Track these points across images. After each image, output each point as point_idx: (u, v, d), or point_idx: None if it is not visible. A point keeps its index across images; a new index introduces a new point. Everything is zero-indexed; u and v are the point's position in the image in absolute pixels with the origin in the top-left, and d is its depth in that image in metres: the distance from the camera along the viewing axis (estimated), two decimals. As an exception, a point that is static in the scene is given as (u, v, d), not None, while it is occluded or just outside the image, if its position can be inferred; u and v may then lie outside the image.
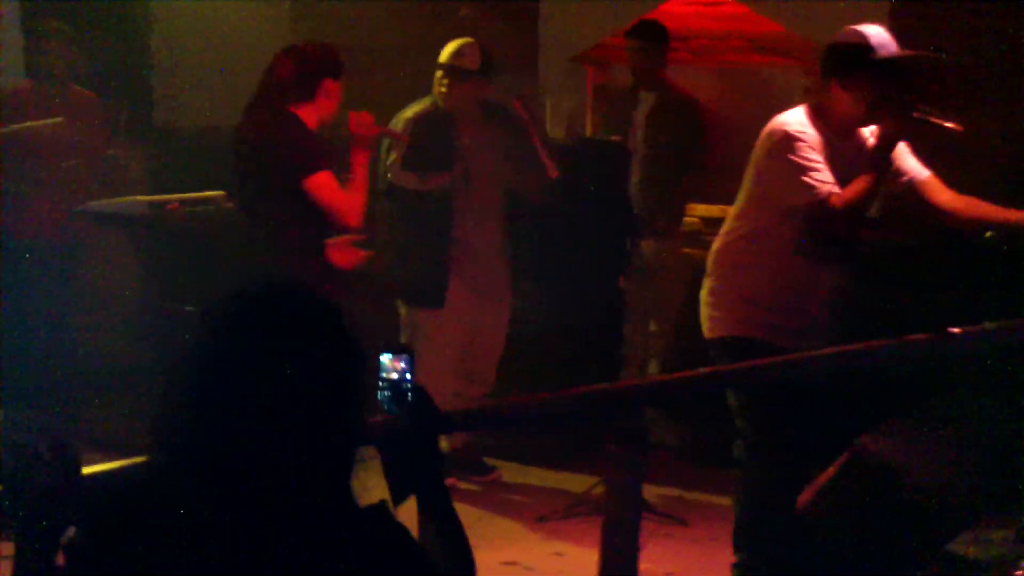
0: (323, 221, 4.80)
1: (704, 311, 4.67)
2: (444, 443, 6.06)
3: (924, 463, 4.73)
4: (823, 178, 4.28)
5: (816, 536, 4.62)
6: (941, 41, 6.78)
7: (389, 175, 5.79)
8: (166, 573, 1.89)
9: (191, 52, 7.67)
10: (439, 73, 5.82)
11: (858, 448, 4.71)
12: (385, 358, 2.19)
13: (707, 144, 6.64)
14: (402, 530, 2.03)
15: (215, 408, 1.92)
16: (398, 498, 2.18)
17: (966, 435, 4.84)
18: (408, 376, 2.19)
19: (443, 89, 5.81)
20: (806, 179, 4.29)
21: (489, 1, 7.46)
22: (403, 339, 5.91)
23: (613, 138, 6.55)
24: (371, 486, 2.11)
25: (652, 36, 6.90)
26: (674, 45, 7.04)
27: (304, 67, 4.83)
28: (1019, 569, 4.49)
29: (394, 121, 5.86)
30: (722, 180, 6.10)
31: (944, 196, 4.56)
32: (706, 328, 4.65)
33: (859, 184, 4.28)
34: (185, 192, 6.53)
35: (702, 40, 7.54)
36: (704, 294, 4.68)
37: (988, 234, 5.53)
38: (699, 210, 7.06)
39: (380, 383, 2.20)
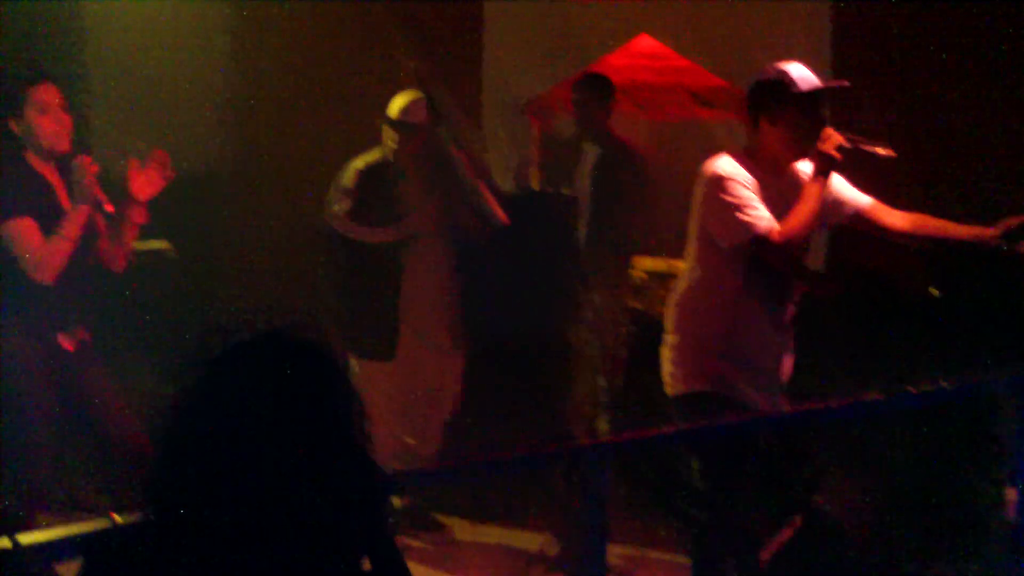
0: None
1: (664, 367, 4.64)
2: (395, 500, 6.00)
3: (867, 520, 4.78)
4: (759, 214, 4.29)
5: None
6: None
7: (335, 223, 5.75)
8: None
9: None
10: (387, 129, 5.80)
11: (814, 508, 4.74)
12: None
13: (651, 196, 6.65)
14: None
15: (208, 458, 1.87)
16: (351, 561, 2.12)
17: (904, 488, 4.90)
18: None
19: (393, 145, 5.79)
20: (740, 216, 4.30)
21: (432, 53, 7.41)
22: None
23: (564, 190, 6.54)
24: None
25: (597, 88, 6.93)
26: (619, 97, 7.07)
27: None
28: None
29: (344, 170, 5.82)
30: (667, 233, 6.14)
31: (892, 218, 4.55)
32: (667, 385, 4.62)
33: (797, 213, 4.30)
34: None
35: (646, 93, 7.60)
36: (663, 350, 4.66)
37: (933, 291, 5.60)
38: (645, 263, 7.07)
39: None
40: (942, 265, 5.55)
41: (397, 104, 5.79)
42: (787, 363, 4.58)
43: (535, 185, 7.50)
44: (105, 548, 2.00)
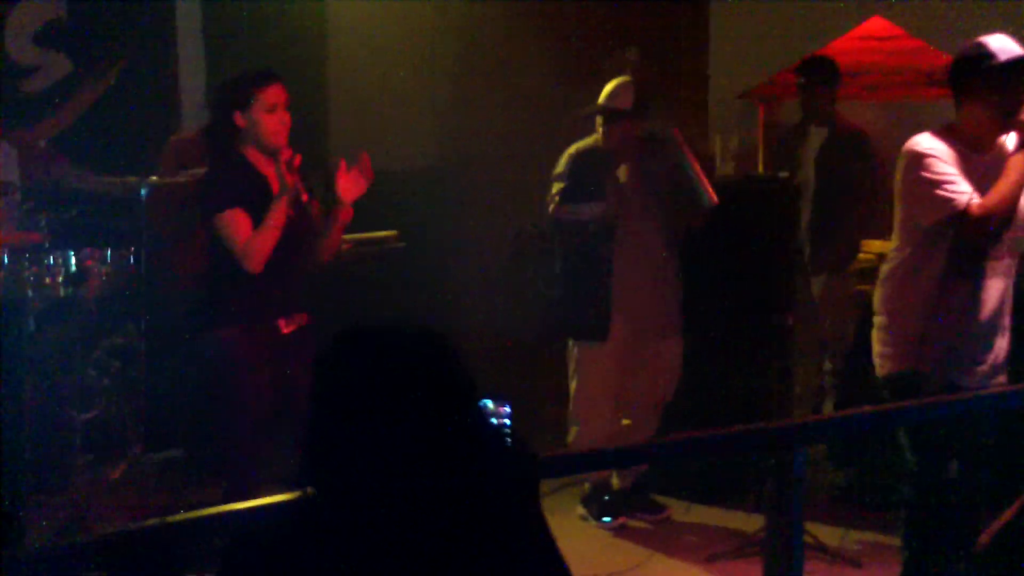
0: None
1: (875, 348, 4.59)
2: (615, 481, 6.06)
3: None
4: (959, 188, 4.20)
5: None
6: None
7: (551, 207, 5.86)
8: None
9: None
10: (598, 116, 5.87)
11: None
12: (487, 404, 2.20)
13: (879, 179, 6.52)
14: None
15: (367, 439, 1.98)
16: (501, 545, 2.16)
17: None
18: (508, 422, 2.20)
19: (600, 129, 5.86)
20: (940, 192, 4.22)
21: (658, 41, 7.45)
22: (569, 370, 5.97)
23: (781, 174, 6.48)
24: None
25: (823, 72, 6.86)
26: (845, 80, 6.97)
27: (215, 107, 4.87)
28: None
29: (561, 159, 5.93)
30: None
31: None
32: (877, 366, 4.57)
33: (998, 188, 4.19)
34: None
35: (874, 75, 7.44)
36: (874, 332, 4.60)
37: None
38: (874, 246, 6.93)
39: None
40: None
41: (606, 90, 5.86)
42: (1000, 343, 4.46)
43: (759, 170, 7.44)
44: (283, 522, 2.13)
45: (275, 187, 4.63)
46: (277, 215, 4.60)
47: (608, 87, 5.86)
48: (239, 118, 4.68)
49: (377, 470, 1.96)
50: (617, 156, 5.86)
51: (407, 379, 2.00)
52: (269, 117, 4.66)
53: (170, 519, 2.82)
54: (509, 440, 2.19)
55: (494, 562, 2.03)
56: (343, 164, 4.82)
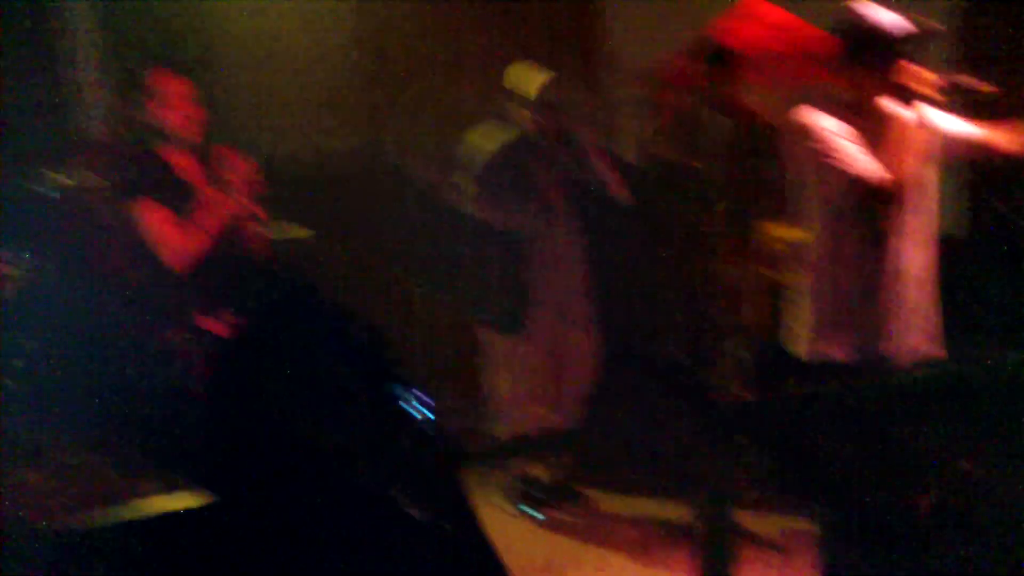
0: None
1: (794, 331, 4.64)
2: (539, 471, 6.09)
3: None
4: (854, 157, 4.25)
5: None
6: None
7: (466, 204, 5.84)
8: None
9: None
10: (518, 107, 5.83)
11: (960, 473, 4.70)
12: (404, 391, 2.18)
13: (781, 163, 6.61)
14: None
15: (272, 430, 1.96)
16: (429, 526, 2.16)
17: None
18: (427, 411, 2.19)
19: (531, 125, 5.81)
20: (836, 163, 4.24)
21: (553, 24, 7.45)
22: (482, 365, 5.98)
23: (693, 164, 6.55)
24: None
25: (720, 59, 6.92)
26: (742, 65, 7.03)
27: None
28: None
29: (470, 148, 5.88)
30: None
31: (1008, 142, 4.46)
32: (797, 350, 4.62)
33: (894, 155, 4.24)
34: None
35: (775, 60, 7.53)
36: (792, 313, 4.65)
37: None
38: (778, 231, 7.05)
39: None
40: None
41: (533, 82, 5.81)
42: (921, 319, 4.51)
43: (660, 155, 7.50)
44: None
45: (201, 184, 4.57)
46: (205, 214, 4.56)
47: (533, 78, 5.81)
48: (133, 112, 4.62)
49: (282, 462, 1.92)
50: (543, 151, 5.86)
51: (323, 352, 1.96)
52: (165, 109, 4.61)
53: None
54: (428, 429, 2.16)
55: (420, 551, 2.01)
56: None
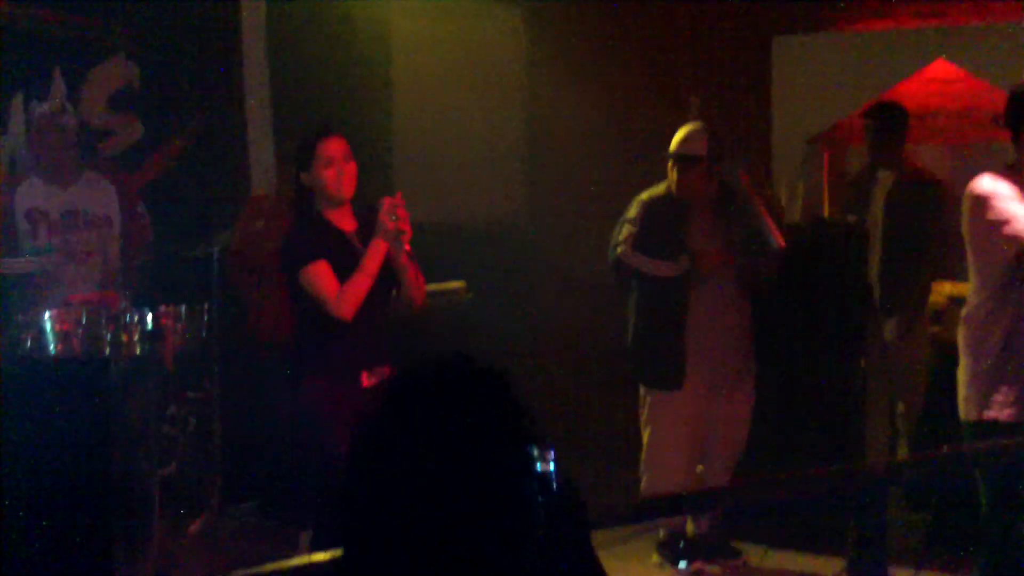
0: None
1: (959, 392, 4.55)
2: (690, 527, 6.04)
3: None
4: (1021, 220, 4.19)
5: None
6: None
7: (619, 250, 5.87)
8: None
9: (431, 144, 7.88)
10: (670, 161, 5.89)
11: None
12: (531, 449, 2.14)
13: (948, 222, 6.52)
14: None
15: (405, 490, 1.91)
16: None
17: None
18: (553, 468, 2.13)
19: (673, 175, 5.88)
20: (1008, 230, 4.20)
21: (720, 88, 7.49)
22: (642, 418, 5.97)
23: (849, 218, 6.48)
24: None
25: (889, 115, 6.87)
26: (912, 124, 6.97)
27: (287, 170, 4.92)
28: None
29: (630, 204, 5.95)
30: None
31: None
32: (961, 410, 4.53)
33: None
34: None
35: (940, 118, 7.44)
36: (958, 373, 4.57)
37: None
38: (946, 288, 6.92)
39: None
40: None
41: (678, 136, 5.88)
42: None
43: (825, 215, 7.44)
44: None
45: (355, 239, 4.71)
46: (372, 261, 4.67)
47: (680, 133, 5.88)
48: (304, 178, 4.77)
49: (414, 523, 1.89)
50: (691, 205, 5.88)
51: (461, 416, 1.96)
52: (327, 171, 4.73)
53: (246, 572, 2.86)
54: (555, 486, 2.08)
55: None
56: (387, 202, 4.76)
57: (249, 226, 6.17)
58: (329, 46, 7.45)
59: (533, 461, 2.00)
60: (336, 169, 4.74)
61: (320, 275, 4.67)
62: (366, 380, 4.74)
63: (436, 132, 7.77)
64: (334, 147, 4.77)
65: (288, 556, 3.68)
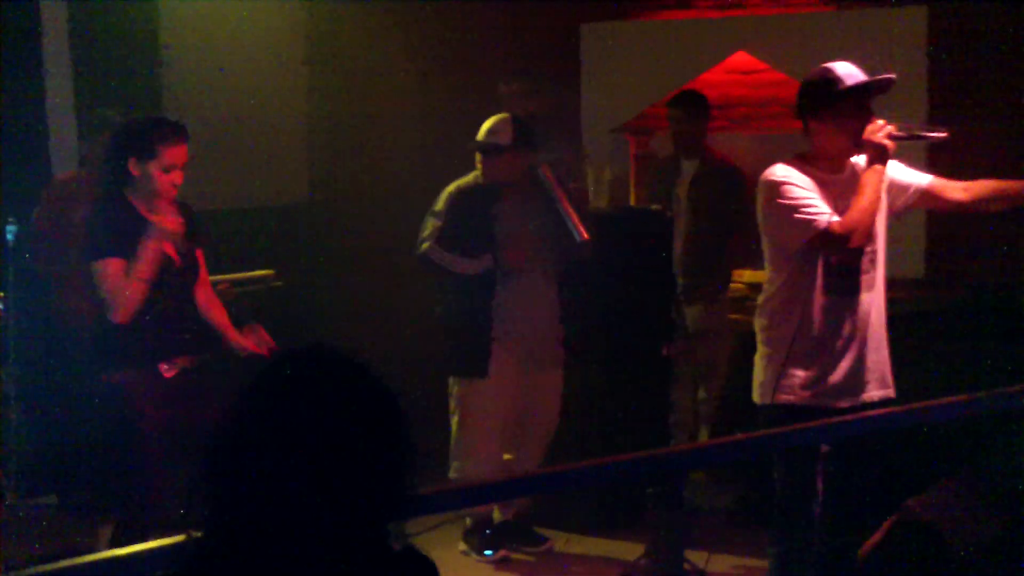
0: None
1: (755, 377, 4.66)
2: (497, 514, 6.09)
3: (969, 523, 4.72)
4: (816, 210, 4.31)
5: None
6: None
7: (424, 246, 5.86)
8: None
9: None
10: (477, 152, 5.91)
11: (905, 511, 4.71)
12: None
13: (750, 210, 6.67)
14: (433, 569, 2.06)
15: (259, 477, 1.92)
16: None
17: (1008, 492, 4.82)
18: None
19: (479, 165, 5.90)
20: (799, 216, 4.32)
21: (529, 75, 7.51)
22: (451, 406, 5.98)
23: (654, 207, 6.60)
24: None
25: (694, 105, 7.01)
26: (714, 114, 7.13)
27: (111, 150, 4.71)
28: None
29: (439, 197, 5.95)
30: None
31: (956, 192, 4.53)
32: (754, 394, 4.65)
33: (855, 205, 4.30)
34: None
35: (742, 108, 7.60)
36: (756, 359, 4.68)
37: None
38: (745, 276, 7.11)
39: None
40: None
41: (484, 127, 5.90)
42: (875, 359, 4.53)
43: (631, 202, 7.55)
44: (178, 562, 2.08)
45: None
46: (144, 265, 4.55)
47: (487, 124, 5.90)
48: (133, 166, 4.60)
49: (279, 507, 1.91)
50: (499, 191, 5.90)
51: (322, 404, 1.96)
52: (164, 176, 4.58)
53: (49, 567, 2.78)
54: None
55: None
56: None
57: (53, 207, 5.98)
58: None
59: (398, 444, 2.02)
60: (173, 177, 4.61)
61: (108, 274, 4.55)
62: (165, 371, 4.68)
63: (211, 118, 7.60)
64: (180, 154, 4.62)
65: (87, 551, 3.58)
